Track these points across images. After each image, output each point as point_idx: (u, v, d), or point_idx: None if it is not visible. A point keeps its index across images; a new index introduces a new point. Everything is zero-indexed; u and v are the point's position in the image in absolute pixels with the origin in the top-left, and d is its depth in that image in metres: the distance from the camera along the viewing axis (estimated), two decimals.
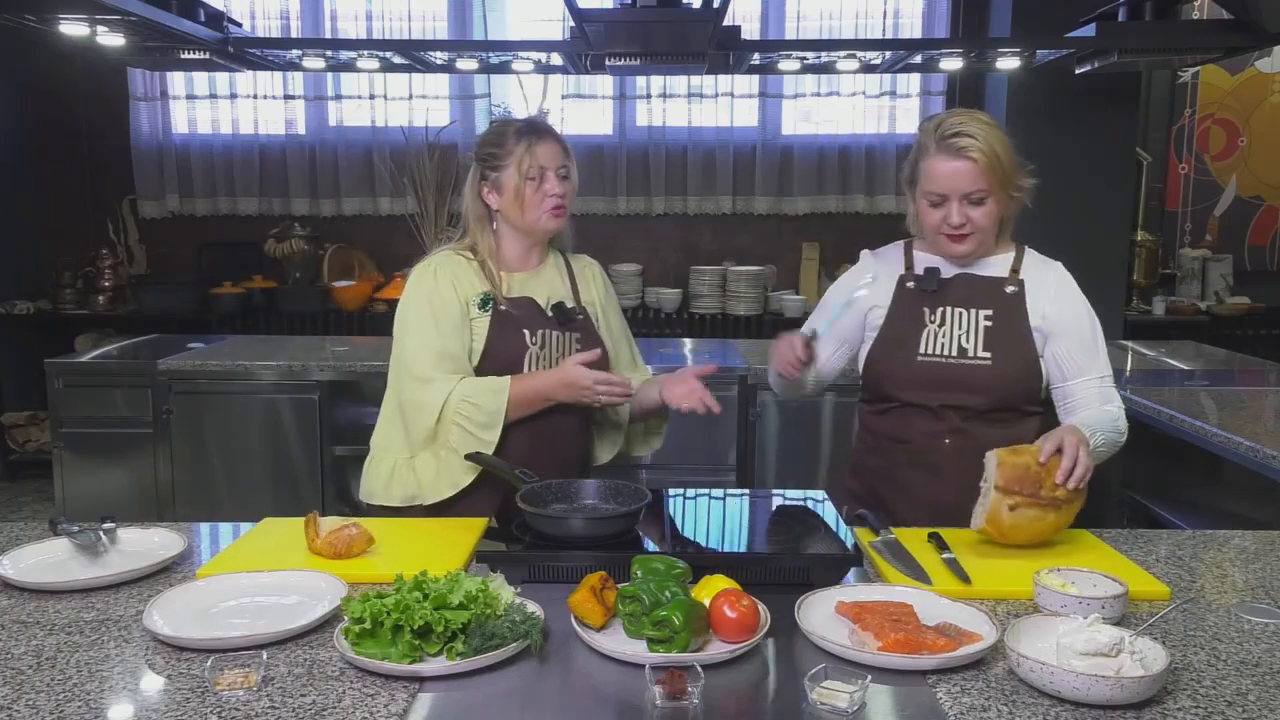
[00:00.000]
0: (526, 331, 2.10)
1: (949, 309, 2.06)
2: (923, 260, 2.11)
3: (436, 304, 2.08)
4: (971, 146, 1.93)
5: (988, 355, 2.02)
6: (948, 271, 2.08)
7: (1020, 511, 1.73)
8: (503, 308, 2.10)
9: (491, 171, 2.12)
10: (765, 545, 1.87)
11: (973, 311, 2.05)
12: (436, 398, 2.02)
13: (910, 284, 2.10)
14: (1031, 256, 2.11)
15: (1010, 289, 2.06)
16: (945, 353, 2.04)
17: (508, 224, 2.15)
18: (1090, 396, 2.03)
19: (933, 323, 2.06)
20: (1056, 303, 2.05)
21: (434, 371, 2.04)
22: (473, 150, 2.19)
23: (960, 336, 2.04)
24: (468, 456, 1.99)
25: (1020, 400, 2.05)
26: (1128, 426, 2.04)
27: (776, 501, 2.10)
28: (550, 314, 2.15)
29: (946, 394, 2.03)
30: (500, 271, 2.15)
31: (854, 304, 2.06)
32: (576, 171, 2.16)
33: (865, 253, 2.20)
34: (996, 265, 2.09)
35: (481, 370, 2.08)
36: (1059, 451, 1.76)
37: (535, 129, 2.13)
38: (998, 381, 2.02)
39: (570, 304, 2.18)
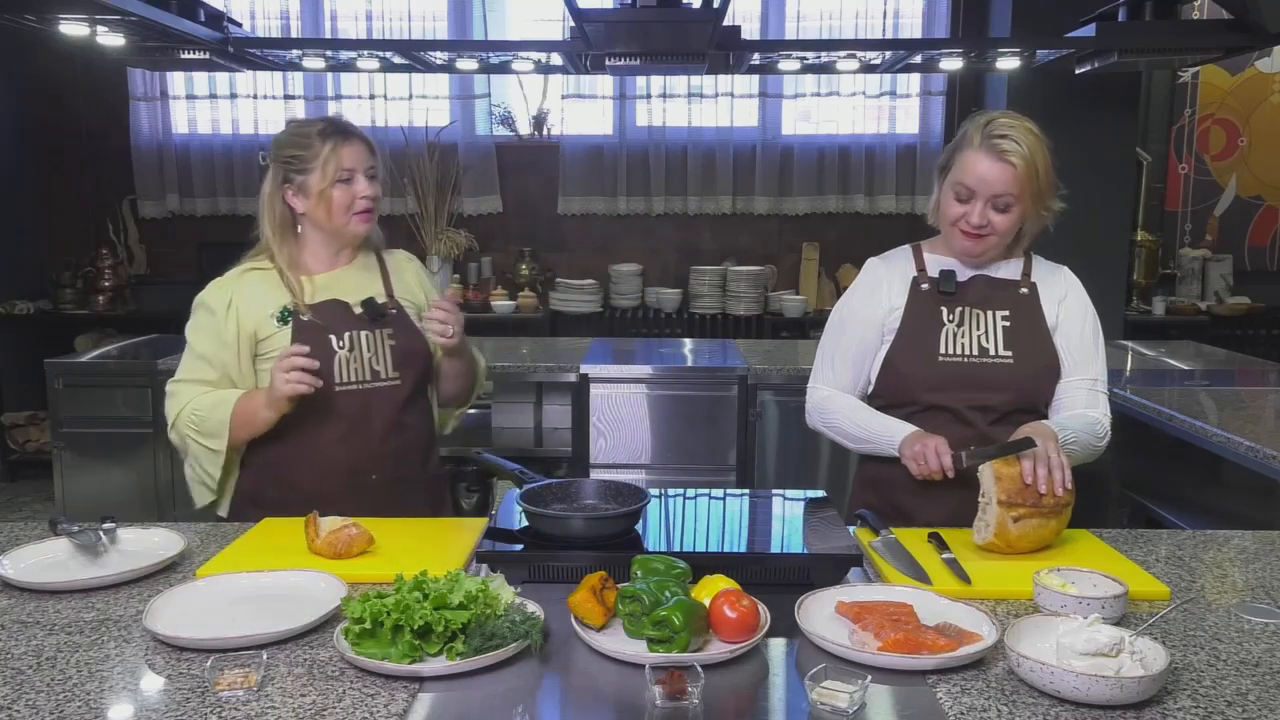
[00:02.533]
0: (333, 336, 2.03)
1: (966, 309, 2.05)
2: (934, 262, 2.11)
3: (210, 334, 2.04)
4: (1014, 151, 1.92)
5: (1009, 354, 2.03)
6: (962, 274, 2.08)
7: (1025, 522, 1.73)
8: (305, 317, 2.03)
9: (296, 175, 2.03)
10: (765, 545, 1.87)
11: (990, 312, 2.05)
12: (174, 408, 2.03)
13: (925, 285, 2.08)
14: (1040, 262, 2.13)
15: (1023, 290, 2.07)
16: (966, 353, 2.03)
17: (314, 228, 2.08)
18: (1077, 398, 2.03)
19: (951, 322, 2.05)
20: (1064, 301, 2.07)
21: (183, 386, 2.04)
22: (270, 152, 2.09)
23: (980, 337, 2.04)
24: (472, 457, 1.98)
25: (1040, 400, 2.05)
26: (1109, 434, 2.03)
27: (777, 501, 2.09)
28: (359, 312, 2.08)
29: (970, 394, 2.02)
30: (301, 278, 2.07)
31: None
32: (384, 171, 2.09)
33: (872, 260, 2.18)
34: (1008, 269, 2.10)
35: None
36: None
37: (340, 129, 2.05)
38: (1020, 380, 2.02)
39: (381, 299, 2.11)
